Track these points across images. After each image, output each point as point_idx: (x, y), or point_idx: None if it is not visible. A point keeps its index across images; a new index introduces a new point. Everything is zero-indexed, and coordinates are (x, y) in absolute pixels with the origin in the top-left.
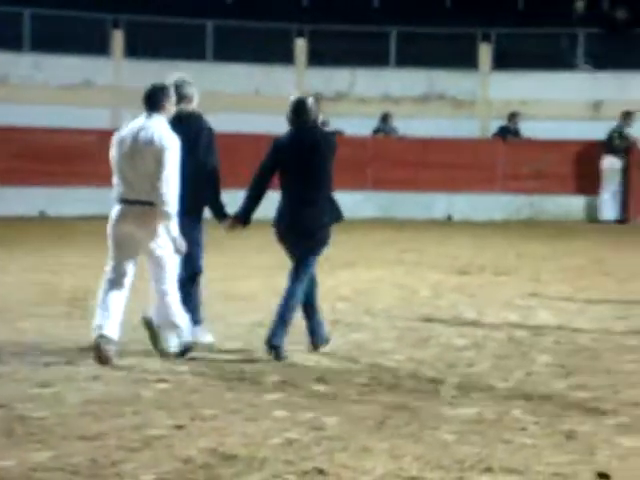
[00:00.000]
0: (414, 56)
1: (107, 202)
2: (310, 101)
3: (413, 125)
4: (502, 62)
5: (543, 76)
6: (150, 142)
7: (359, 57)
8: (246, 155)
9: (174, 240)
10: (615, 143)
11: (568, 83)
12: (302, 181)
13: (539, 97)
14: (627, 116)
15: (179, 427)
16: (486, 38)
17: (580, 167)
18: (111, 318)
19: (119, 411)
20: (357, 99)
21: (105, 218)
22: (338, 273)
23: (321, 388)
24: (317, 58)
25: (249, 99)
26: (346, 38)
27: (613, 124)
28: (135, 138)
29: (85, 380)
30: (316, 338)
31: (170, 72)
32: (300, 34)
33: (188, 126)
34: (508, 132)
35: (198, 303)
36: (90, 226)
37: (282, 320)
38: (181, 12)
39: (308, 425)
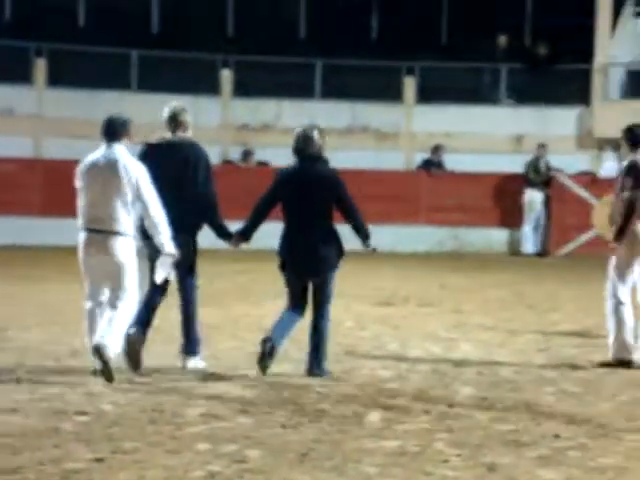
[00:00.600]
0: (339, 88)
1: (29, 231)
2: (316, 134)
3: (337, 157)
4: (426, 95)
5: (466, 110)
6: (117, 171)
7: (285, 88)
8: None
9: (172, 256)
10: (531, 176)
11: (491, 117)
12: (304, 213)
13: (462, 130)
14: (541, 148)
15: (99, 460)
16: (410, 71)
17: (502, 200)
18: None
19: (38, 444)
20: (283, 130)
21: (27, 247)
22: (263, 304)
23: (244, 420)
24: (243, 89)
25: None
26: (272, 69)
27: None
28: (102, 167)
29: (3, 412)
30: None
31: (93, 101)
32: (225, 65)
33: (187, 153)
34: (432, 165)
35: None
36: (12, 256)
37: (318, 350)
38: (105, 41)
39: (230, 458)
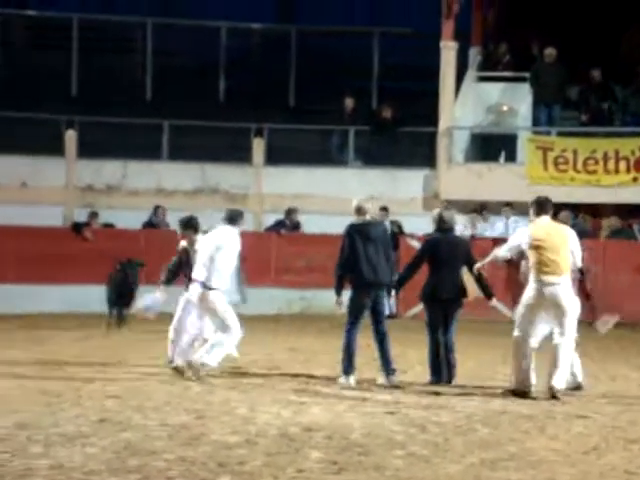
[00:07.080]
0: (187, 149)
1: None
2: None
3: None
4: (275, 157)
5: (315, 171)
6: None
7: (131, 149)
8: None
9: None
10: None
11: (339, 179)
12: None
13: (311, 192)
14: (382, 212)
15: None
16: (259, 133)
17: None
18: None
19: None
20: (129, 192)
21: None
22: (108, 370)
23: None
24: (87, 149)
25: (15, 191)
26: (118, 129)
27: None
28: None
29: None
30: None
31: None
32: (70, 125)
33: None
34: (284, 226)
35: None
36: None
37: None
38: None
39: None
